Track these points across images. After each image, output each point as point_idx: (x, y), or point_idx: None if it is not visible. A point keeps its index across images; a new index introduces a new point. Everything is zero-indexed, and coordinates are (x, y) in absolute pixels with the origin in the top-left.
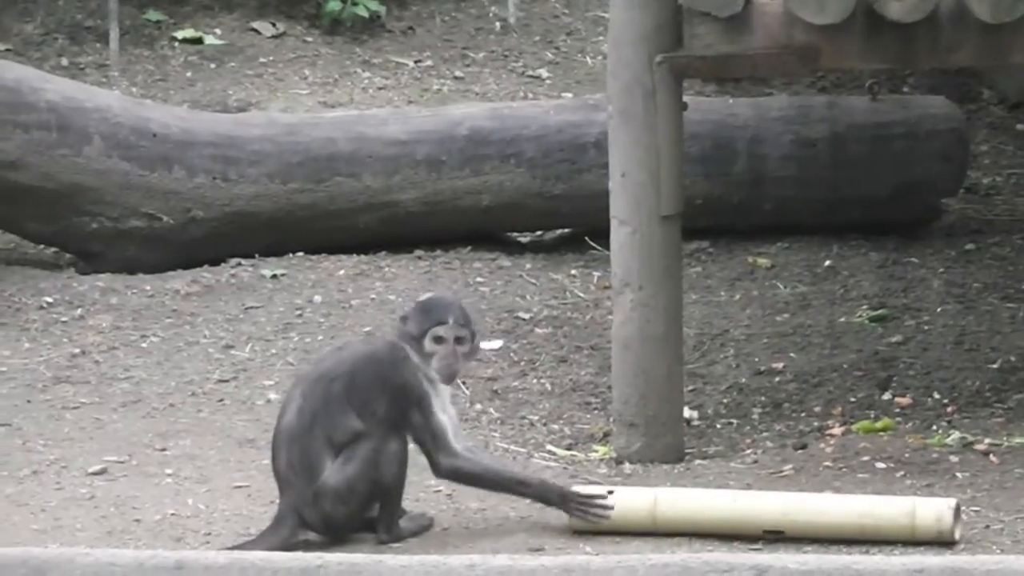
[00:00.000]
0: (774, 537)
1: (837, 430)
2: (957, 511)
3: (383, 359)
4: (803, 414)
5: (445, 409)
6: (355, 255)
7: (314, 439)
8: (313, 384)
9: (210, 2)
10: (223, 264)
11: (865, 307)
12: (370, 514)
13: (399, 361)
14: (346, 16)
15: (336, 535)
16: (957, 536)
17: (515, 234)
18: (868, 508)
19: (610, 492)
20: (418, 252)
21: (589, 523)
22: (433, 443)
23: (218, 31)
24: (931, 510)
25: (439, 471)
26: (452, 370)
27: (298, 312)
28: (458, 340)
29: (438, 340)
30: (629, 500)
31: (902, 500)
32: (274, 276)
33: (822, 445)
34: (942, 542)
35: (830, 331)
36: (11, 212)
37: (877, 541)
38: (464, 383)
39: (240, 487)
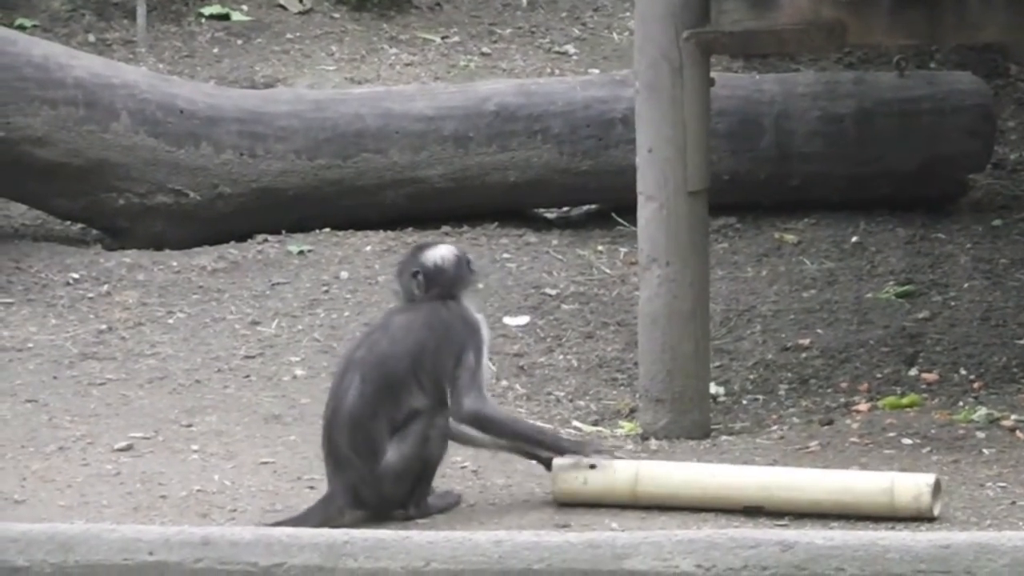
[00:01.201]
0: (755, 511)
1: (863, 406)
2: (937, 487)
3: (446, 316)
4: (830, 390)
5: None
6: (382, 231)
7: (378, 422)
8: (373, 367)
9: None
10: (250, 240)
11: (892, 283)
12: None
13: (464, 311)
14: None
15: (388, 512)
16: (937, 512)
17: (542, 210)
18: (847, 484)
19: (592, 467)
20: (445, 228)
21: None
22: (470, 383)
23: (245, 7)
24: (909, 487)
25: (461, 410)
26: None
27: (325, 288)
28: None
29: None
30: (610, 474)
31: (881, 476)
32: (301, 252)
33: (848, 421)
34: (921, 518)
35: (857, 307)
36: (38, 188)
37: (859, 517)
38: (490, 359)
39: (266, 463)
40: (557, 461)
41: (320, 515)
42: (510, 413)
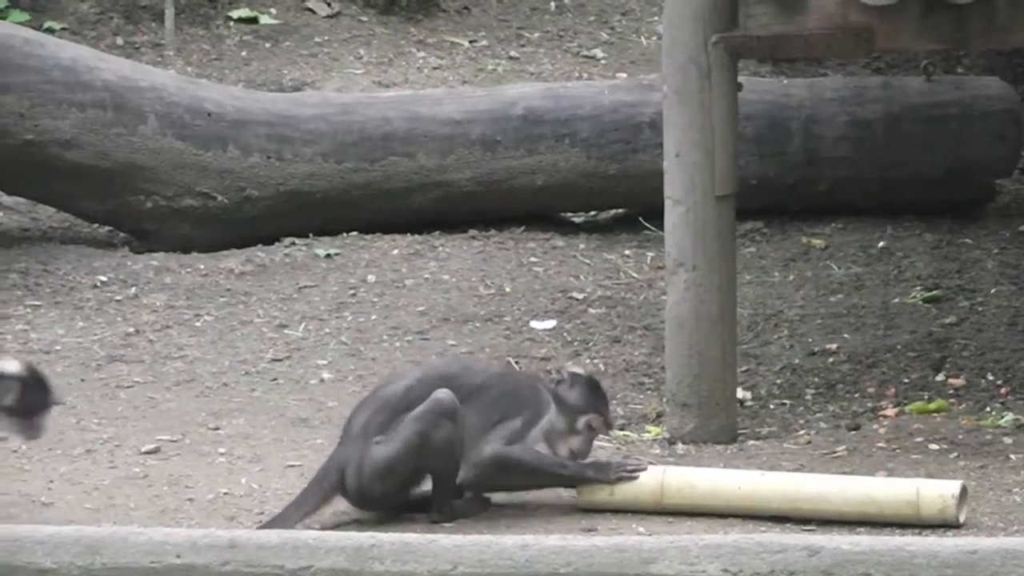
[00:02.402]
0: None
1: (890, 411)
2: (963, 494)
3: (523, 381)
4: (857, 395)
5: (536, 440)
6: (409, 234)
7: (398, 418)
8: (437, 376)
9: None
10: (277, 243)
11: (919, 288)
12: (417, 494)
13: (539, 388)
14: None
15: (366, 508)
16: (962, 520)
17: (569, 214)
18: (871, 493)
19: (610, 494)
20: (472, 232)
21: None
22: (500, 436)
23: (273, 10)
24: (935, 499)
25: (481, 453)
26: (582, 455)
27: (352, 291)
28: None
29: (591, 427)
30: (635, 486)
31: (906, 485)
32: (328, 255)
33: (875, 426)
34: (947, 525)
35: (884, 312)
36: (66, 190)
37: (883, 524)
38: (518, 363)
39: (293, 466)
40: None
41: (314, 494)
42: (530, 451)
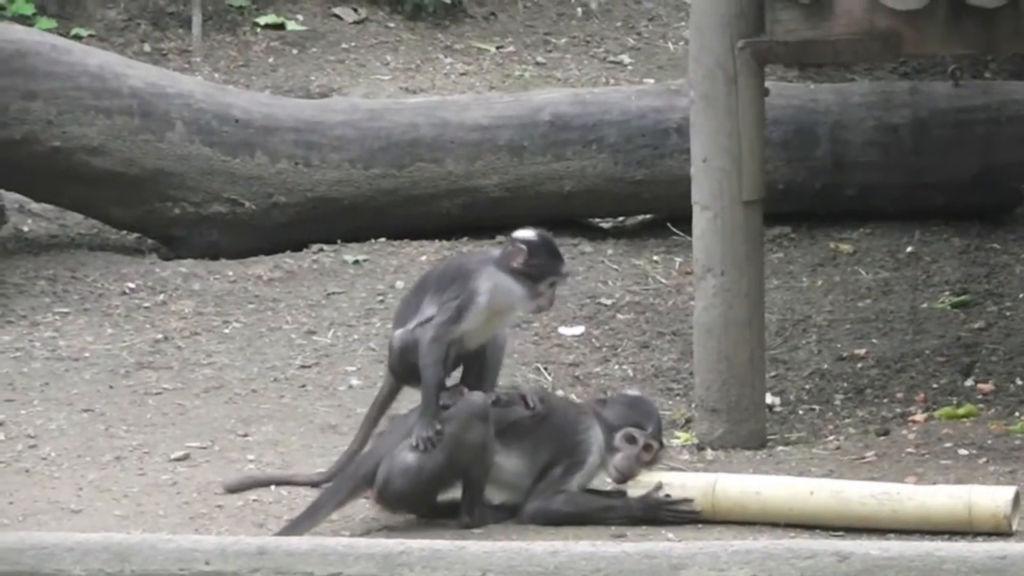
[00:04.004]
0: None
1: (919, 416)
2: (1016, 500)
3: (568, 418)
4: (885, 400)
5: (582, 484)
6: (437, 240)
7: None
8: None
9: None
10: (305, 250)
11: (947, 293)
12: (446, 501)
13: (583, 425)
14: (428, 2)
15: (390, 507)
16: (1015, 526)
17: (597, 219)
18: (923, 499)
19: (658, 486)
20: (499, 238)
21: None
22: (542, 490)
23: (300, 16)
24: (987, 520)
25: (524, 510)
26: (630, 472)
27: (380, 298)
28: (646, 448)
29: (630, 440)
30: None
31: (958, 490)
32: (356, 262)
33: (904, 431)
34: (999, 532)
35: (912, 317)
36: (94, 197)
37: (935, 532)
38: (546, 369)
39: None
40: (656, 496)
41: (348, 484)
42: (573, 500)
